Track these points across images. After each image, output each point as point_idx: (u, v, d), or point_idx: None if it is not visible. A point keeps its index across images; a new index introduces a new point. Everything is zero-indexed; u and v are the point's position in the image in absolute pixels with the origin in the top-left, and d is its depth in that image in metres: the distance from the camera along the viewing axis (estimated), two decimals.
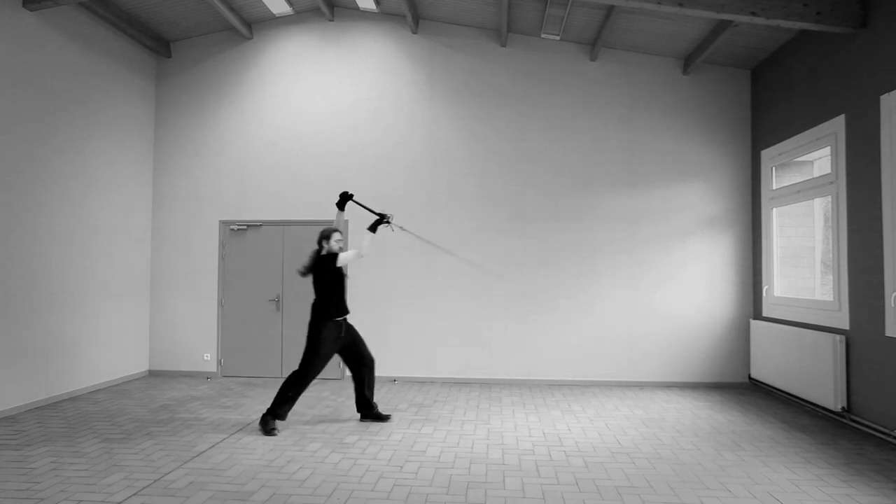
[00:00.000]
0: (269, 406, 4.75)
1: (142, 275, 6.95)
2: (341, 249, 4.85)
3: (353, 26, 7.02)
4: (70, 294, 5.83)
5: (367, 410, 5.02)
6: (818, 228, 6.11)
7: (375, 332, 6.78)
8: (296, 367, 4.75)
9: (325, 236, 4.84)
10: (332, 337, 4.74)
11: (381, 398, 5.86)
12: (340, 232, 4.94)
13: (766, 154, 6.28)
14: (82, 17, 6.00)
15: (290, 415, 5.16)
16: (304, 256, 6.91)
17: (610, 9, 5.80)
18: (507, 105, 6.81)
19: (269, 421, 4.64)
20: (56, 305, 5.66)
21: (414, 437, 4.49)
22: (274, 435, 4.55)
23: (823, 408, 5.21)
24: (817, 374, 5.14)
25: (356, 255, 4.78)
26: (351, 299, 6.82)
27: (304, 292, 6.91)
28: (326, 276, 4.77)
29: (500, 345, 6.68)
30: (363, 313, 6.82)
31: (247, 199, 7.03)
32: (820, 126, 5.34)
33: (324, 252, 4.80)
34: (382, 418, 5.02)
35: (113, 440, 4.37)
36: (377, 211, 5.11)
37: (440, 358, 6.76)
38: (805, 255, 6.11)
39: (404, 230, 5.10)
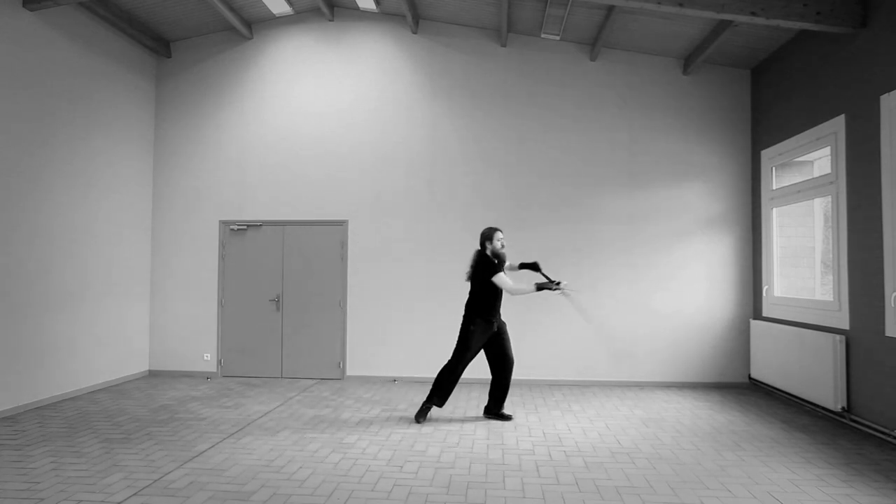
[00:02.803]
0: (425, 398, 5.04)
1: (142, 275, 6.95)
2: (503, 247, 4.89)
3: (353, 26, 7.02)
4: (70, 294, 5.83)
5: (494, 409, 5.10)
6: (818, 228, 6.11)
7: (375, 331, 6.79)
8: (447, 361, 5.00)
9: (487, 237, 4.88)
10: (480, 331, 4.88)
11: (382, 398, 5.86)
12: (501, 231, 4.96)
13: (766, 154, 6.28)
14: (82, 17, 6.00)
15: (289, 415, 5.17)
16: (304, 256, 6.97)
17: (610, 9, 5.80)
18: (507, 105, 6.81)
19: (424, 411, 4.95)
20: (56, 305, 5.66)
21: (414, 437, 4.49)
22: (420, 423, 4.87)
23: (823, 408, 5.21)
24: (817, 374, 5.14)
25: (507, 286, 4.78)
26: (351, 299, 6.84)
27: (304, 292, 6.93)
28: (485, 278, 4.82)
29: None
30: (364, 313, 6.83)
31: (247, 199, 7.03)
32: (820, 126, 5.34)
33: (488, 252, 4.86)
34: (505, 417, 5.07)
35: (113, 440, 4.37)
36: (552, 279, 4.84)
37: (440, 358, 6.73)
38: (805, 255, 6.11)
39: (570, 296, 5.11)
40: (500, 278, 4.77)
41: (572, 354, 6.62)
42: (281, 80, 7.06)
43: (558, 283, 4.75)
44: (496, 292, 4.89)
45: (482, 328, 4.88)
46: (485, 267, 4.82)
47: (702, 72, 6.66)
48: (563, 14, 6.00)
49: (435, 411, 5.30)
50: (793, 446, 4.34)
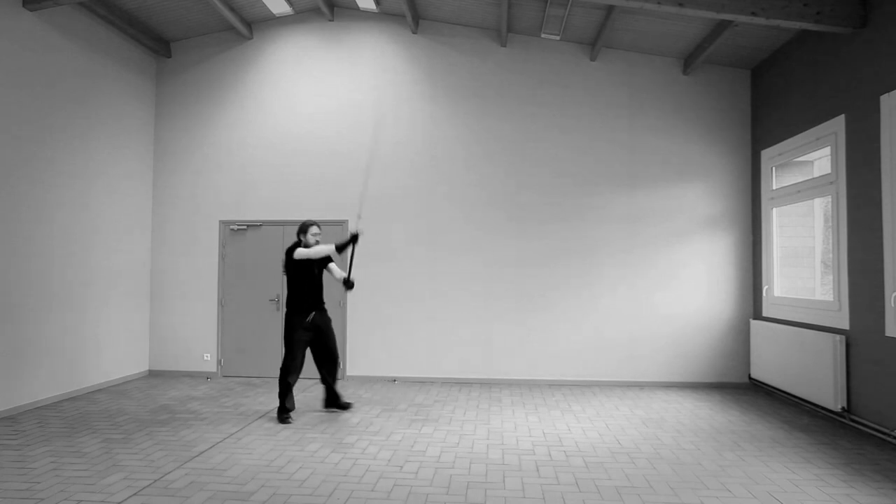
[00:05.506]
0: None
1: (142, 275, 6.95)
2: (317, 243, 5.01)
3: (353, 26, 7.02)
4: (70, 294, 5.83)
5: (333, 401, 5.29)
6: (818, 228, 6.10)
7: (376, 331, 6.79)
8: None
9: (302, 229, 5.01)
10: (292, 324, 4.97)
11: (382, 398, 5.86)
12: (318, 225, 5.08)
13: (766, 154, 6.27)
14: (82, 17, 6.00)
15: (289, 415, 5.17)
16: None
17: (610, 9, 5.80)
18: (507, 105, 6.81)
19: (281, 412, 4.99)
20: (56, 305, 5.66)
21: (414, 437, 4.49)
22: (288, 423, 4.88)
23: (823, 408, 5.21)
24: (817, 374, 5.14)
25: (307, 253, 4.82)
26: (351, 299, 6.84)
27: None
28: (289, 268, 4.99)
29: (500, 345, 6.68)
30: (364, 313, 6.83)
31: (247, 199, 7.03)
32: (820, 126, 5.34)
33: (301, 244, 4.99)
34: (344, 406, 5.29)
35: (113, 440, 4.37)
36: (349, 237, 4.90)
37: (440, 358, 6.75)
38: (805, 255, 6.11)
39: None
40: (300, 252, 4.83)
41: (572, 354, 6.62)
42: (281, 80, 7.06)
43: (354, 238, 4.82)
44: (303, 281, 4.95)
45: (294, 321, 4.96)
46: (287, 253, 4.94)
47: (702, 72, 6.66)
48: (563, 14, 6.00)
49: (434, 412, 5.30)
50: (793, 446, 4.34)
